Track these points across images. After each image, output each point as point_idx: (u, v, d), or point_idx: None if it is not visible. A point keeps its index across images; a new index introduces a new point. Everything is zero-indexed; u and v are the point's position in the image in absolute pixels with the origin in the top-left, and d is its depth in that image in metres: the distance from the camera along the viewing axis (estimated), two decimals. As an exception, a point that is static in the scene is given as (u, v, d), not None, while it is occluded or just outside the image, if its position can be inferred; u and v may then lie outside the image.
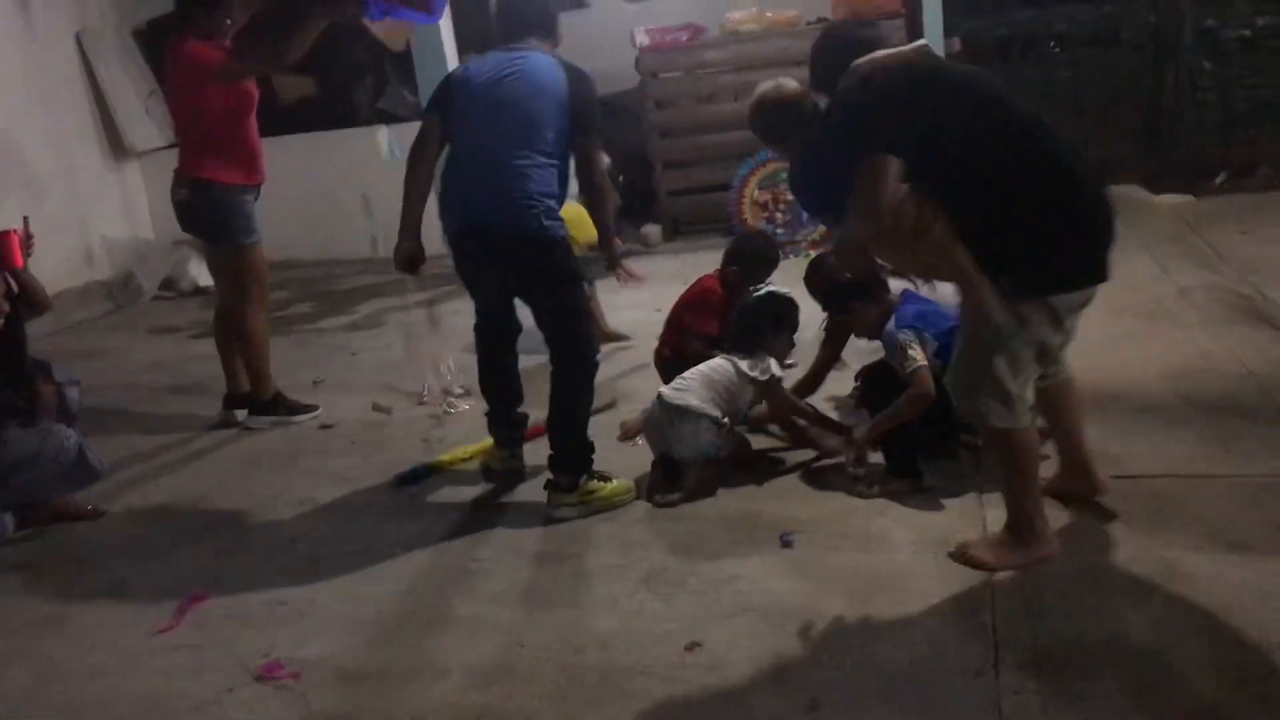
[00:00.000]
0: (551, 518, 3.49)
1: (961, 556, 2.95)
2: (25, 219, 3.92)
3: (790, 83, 3.58)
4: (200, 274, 7.66)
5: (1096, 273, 2.81)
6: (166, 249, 7.96)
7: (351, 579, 3.28)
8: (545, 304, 3.58)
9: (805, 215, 6.95)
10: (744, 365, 3.66)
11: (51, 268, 7.35)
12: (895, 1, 7.49)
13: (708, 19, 8.24)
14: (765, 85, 3.60)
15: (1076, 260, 2.80)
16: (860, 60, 2.92)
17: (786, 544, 3.16)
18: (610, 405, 4.42)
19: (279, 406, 4.81)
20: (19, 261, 3.79)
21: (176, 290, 7.87)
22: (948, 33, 7.46)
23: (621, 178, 8.10)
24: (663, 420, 3.61)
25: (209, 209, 4.65)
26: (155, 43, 8.08)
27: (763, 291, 3.99)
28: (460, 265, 3.70)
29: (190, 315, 7.06)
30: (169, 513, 3.96)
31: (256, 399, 4.82)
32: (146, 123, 8.01)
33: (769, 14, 7.87)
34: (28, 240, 3.85)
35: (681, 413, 3.56)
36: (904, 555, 3.03)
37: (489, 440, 3.98)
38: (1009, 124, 2.82)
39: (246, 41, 4.49)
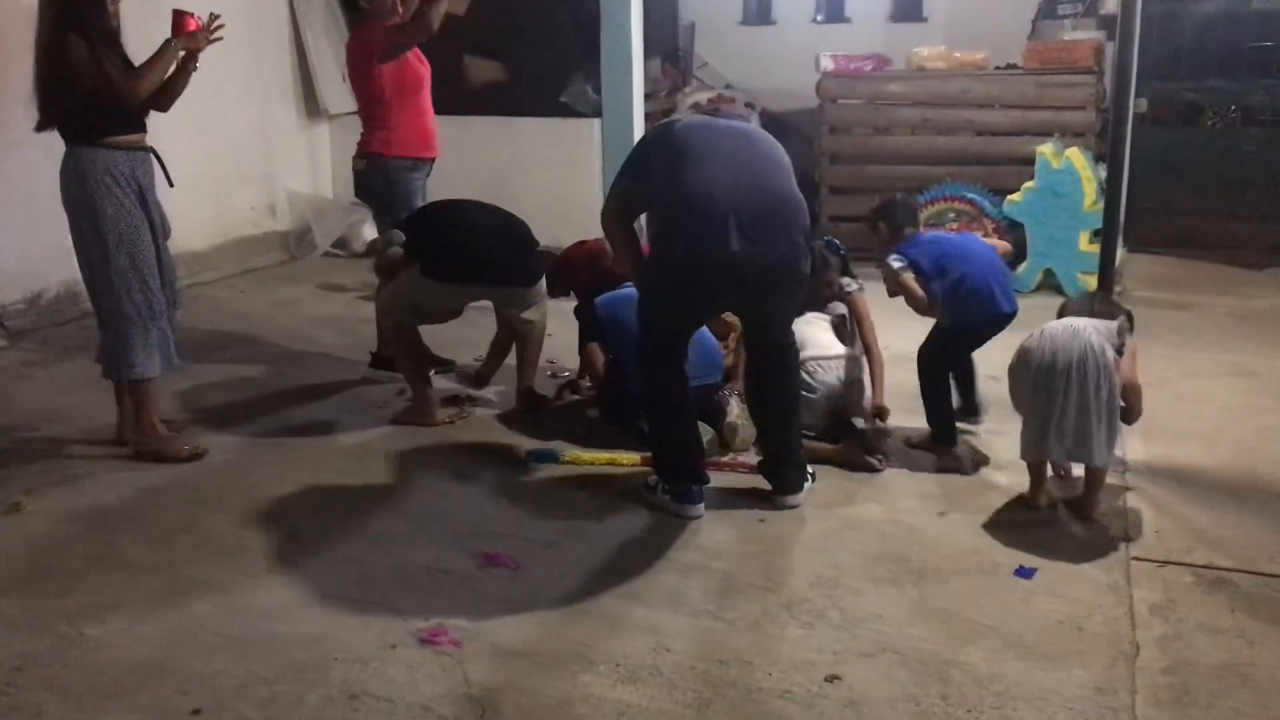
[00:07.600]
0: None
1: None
2: (213, 15, 4.10)
3: None
4: (371, 236, 7.97)
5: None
6: (343, 209, 8.31)
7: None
8: None
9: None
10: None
11: (238, 213, 7.84)
12: (1089, 59, 7.39)
13: (895, 52, 8.27)
14: None
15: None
16: None
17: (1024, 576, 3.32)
18: None
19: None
20: (186, 32, 4.00)
21: (348, 250, 8.23)
22: (1138, 93, 7.33)
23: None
24: None
25: (378, 181, 5.12)
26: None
27: None
28: None
29: (359, 276, 7.35)
30: (337, 469, 4.21)
31: (377, 354, 5.18)
32: (342, 87, 8.35)
33: (957, 54, 7.85)
34: (207, 30, 4.06)
35: None
36: (1046, 620, 3.06)
37: (629, 456, 4.19)
38: None
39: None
